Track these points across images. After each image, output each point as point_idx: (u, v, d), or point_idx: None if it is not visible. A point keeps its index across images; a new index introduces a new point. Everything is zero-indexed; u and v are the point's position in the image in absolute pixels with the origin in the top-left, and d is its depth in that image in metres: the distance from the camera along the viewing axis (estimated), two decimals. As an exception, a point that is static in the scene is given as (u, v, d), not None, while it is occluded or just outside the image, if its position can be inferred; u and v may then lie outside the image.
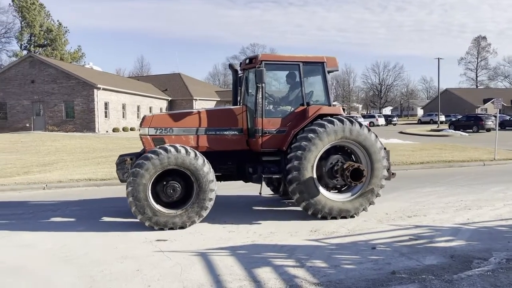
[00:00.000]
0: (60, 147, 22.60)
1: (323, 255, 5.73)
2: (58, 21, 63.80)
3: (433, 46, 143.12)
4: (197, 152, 7.19)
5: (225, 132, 7.87)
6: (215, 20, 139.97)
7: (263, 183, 7.79)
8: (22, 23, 60.52)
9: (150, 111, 47.18)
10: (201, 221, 7.49)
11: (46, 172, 13.85)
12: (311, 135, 7.39)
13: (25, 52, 56.77)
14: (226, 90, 70.71)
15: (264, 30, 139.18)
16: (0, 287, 4.85)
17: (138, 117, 44.09)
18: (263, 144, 7.71)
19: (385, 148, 8.09)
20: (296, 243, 6.31)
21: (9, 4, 60.26)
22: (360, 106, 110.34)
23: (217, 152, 7.87)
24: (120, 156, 8.09)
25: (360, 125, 7.71)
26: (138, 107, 44.85)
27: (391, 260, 5.46)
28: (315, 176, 7.49)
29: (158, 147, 7.14)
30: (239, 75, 8.57)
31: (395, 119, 66.42)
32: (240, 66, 8.64)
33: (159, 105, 49.43)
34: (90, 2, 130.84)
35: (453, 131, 39.08)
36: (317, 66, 8.08)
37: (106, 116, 37.74)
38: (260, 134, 7.66)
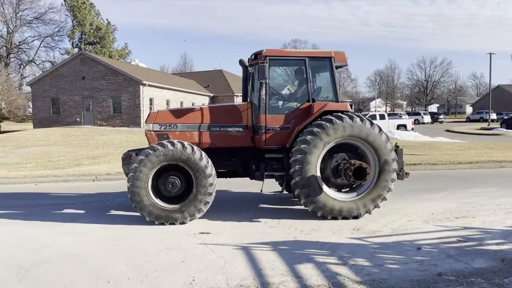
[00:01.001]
0: (107, 141, 23.53)
1: (366, 254, 5.66)
2: (107, 19, 66.39)
3: (485, 41, 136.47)
4: (196, 148, 7.20)
5: (229, 129, 7.83)
6: (258, 16, 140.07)
7: (265, 180, 7.69)
8: (74, 22, 63.36)
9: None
10: (243, 217, 7.61)
11: (95, 165, 14.50)
12: (314, 132, 7.20)
13: (76, 49, 59.36)
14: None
15: (307, 25, 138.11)
16: (57, 272, 5.14)
17: (181, 113, 45.00)
18: (266, 141, 7.60)
19: (398, 146, 7.85)
20: (338, 241, 6.28)
21: (62, 3, 63.23)
22: (405, 103, 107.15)
23: (222, 148, 7.85)
24: (128, 151, 8.18)
25: (362, 120, 7.40)
26: (181, 103, 45.79)
27: (437, 262, 5.32)
28: (318, 174, 7.29)
29: (156, 143, 7.25)
30: (250, 71, 8.43)
31: (441, 116, 64.00)
32: (248, 62, 8.52)
33: (201, 101, 50.25)
34: (136, 1, 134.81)
35: (505, 129, 37.18)
36: (324, 62, 7.83)
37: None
38: (263, 131, 7.56)
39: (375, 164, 7.44)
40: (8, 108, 46.36)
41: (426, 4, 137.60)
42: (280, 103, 8.15)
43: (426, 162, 14.51)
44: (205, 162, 7.16)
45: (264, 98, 7.58)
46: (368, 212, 7.48)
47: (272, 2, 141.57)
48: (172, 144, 7.11)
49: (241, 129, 7.85)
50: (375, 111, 63.89)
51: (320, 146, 7.22)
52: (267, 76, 7.34)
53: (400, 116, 44.84)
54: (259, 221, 7.36)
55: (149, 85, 37.80)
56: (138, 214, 7.98)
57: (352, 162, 7.20)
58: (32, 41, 64.78)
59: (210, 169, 7.19)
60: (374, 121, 7.60)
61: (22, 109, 50.77)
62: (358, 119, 7.38)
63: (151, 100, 38.85)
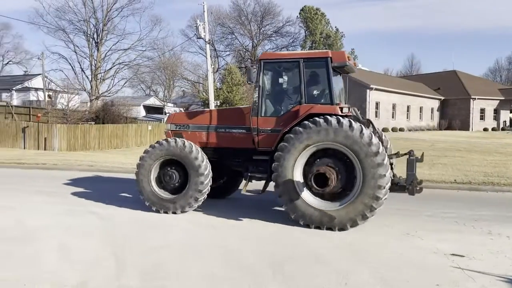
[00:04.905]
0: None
1: None
2: (335, 27, 69.19)
3: None
4: (195, 147, 8.00)
5: (234, 130, 8.29)
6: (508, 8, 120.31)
7: (249, 181, 8.09)
8: (306, 32, 68.41)
9: (420, 111, 45.30)
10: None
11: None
12: (287, 139, 7.19)
13: (306, 58, 63.86)
14: (511, 88, 60.59)
15: None
16: (307, 271, 5.37)
17: (407, 118, 43.03)
18: (259, 143, 7.86)
19: (411, 155, 7.18)
20: None
21: (297, 16, 69.20)
22: None
23: (227, 148, 8.35)
24: None
25: (350, 125, 6.87)
26: (408, 107, 43.69)
27: None
28: (297, 180, 7.18)
29: (156, 141, 8.34)
30: None
31: None
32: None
33: (430, 105, 46.81)
34: (365, 6, 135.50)
35: None
36: (320, 62, 7.66)
37: (376, 116, 38.39)
38: (256, 133, 7.79)
39: (360, 174, 6.88)
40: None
41: None
42: (273, 105, 8.14)
43: None
44: (200, 162, 7.91)
45: (257, 101, 7.82)
46: (355, 223, 6.95)
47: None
48: (167, 141, 8.16)
49: (244, 131, 8.16)
50: None
51: (295, 152, 7.15)
52: (253, 79, 7.66)
53: None
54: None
55: (375, 89, 37.49)
56: (370, 224, 7.76)
57: (317, 168, 6.94)
58: (270, 52, 73.25)
59: (204, 169, 7.89)
60: None
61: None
62: (345, 124, 6.89)
63: (377, 104, 38.47)
